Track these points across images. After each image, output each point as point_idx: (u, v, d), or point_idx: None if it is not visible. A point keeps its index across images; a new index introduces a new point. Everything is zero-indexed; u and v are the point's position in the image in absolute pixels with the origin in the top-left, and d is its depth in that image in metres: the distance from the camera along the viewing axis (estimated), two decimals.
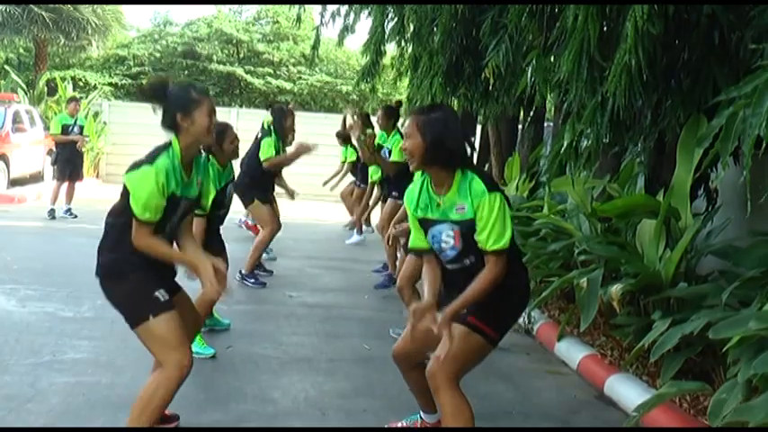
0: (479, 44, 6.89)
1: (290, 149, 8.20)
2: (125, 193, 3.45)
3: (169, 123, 3.49)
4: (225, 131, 5.58)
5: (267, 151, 7.83)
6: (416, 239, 3.67)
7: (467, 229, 3.42)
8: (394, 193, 7.96)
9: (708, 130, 3.72)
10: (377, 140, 8.33)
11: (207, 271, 3.43)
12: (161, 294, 3.45)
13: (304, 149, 7.64)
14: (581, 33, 4.40)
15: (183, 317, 3.58)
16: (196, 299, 4.78)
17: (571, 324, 6.07)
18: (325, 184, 13.17)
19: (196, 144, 3.56)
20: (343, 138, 12.67)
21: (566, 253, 6.27)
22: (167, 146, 3.49)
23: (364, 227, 12.02)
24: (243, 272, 7.80)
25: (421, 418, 4.14)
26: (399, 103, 9.00)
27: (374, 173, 9.33)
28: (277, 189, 8.39)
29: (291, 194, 8.78)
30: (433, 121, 3.42)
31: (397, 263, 7.29)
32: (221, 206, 5.63)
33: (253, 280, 7.80)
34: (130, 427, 3.42)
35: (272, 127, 8.10)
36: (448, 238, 3.50)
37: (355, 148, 11.84)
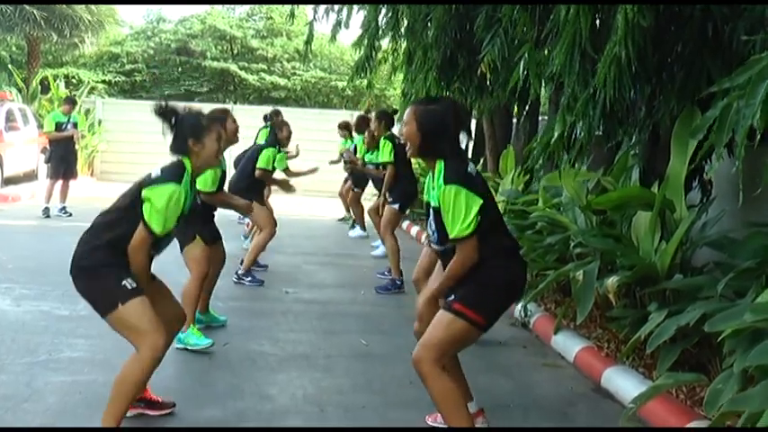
0: (474, 38, 6.91)
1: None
2: (138, 203, 3.59)
3: (182, 148, 3.75)
4: (223, 120, 5.63)
5: (264, 162, 7.86)
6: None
7: (436, 214, 3.62)
8: (389, 199, 7.99)
9: (702, 121, 3.73)
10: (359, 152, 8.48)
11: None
12: (128, 283, 3.56)
13: (286, 188, 7.98)
14: (573, 26, 4.41)
15: (160, 306, 3.74)
16: (181, 293, 4.83)
17: (567, 317, 6.08)
18: (332, 163, 12.96)
19: (205, 167, 3.88)
20: (348, 129, 12.67)
21: (561, 246, 6.28)
22: (183, 166, 3.70)
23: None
24: (239, 272, 7.80)
25: None
26: (395, 111, 8.87)
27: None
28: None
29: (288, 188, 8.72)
30: (429, 112, 3.62)
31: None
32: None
33: (250, 278, 7.79)
34: (109, 409, 3.55)
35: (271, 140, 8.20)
36: (431, 222, 3.72)
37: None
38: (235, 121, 5.79)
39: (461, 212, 3.45)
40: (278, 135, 8.22)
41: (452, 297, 3.58)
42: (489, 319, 3.63)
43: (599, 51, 4.45)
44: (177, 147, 3.75)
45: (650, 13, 4.07)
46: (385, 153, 7.99)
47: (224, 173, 5.73)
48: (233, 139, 5.74)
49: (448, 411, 3.55)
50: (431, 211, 3.68)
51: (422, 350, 3.53)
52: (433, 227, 3.69)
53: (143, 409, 4.08)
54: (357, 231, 11.83)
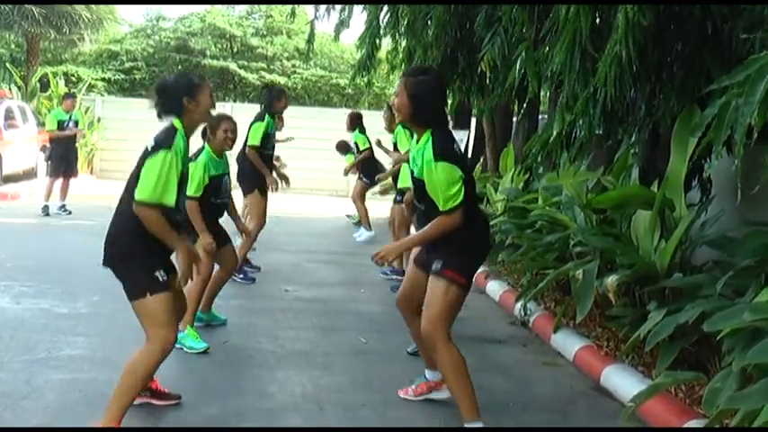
0: (474, 37, 6.90)
1: (279, 135, 8.16)
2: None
3: (176, 107, 3.82)
4: (219, 120, 5.67)
5: (253, 137, 7.74)
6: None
7: (416, 179, 3.97)
8: (398, 198, 7.97)
9: (701, 119, 3.75)
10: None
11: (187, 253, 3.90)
12: (160, 275, 3.71)
13: (272, 182, 7.82)
14: (573, 25, 4.40)
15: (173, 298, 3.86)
16: (186, 289, 4.83)
17: (567, 315, 6.08)
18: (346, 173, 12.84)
19: (199, 123, 3.97)
20: (344, 149, 12.74)
21: (561, 245, 6.27)
22: (173, 128, 3.78)
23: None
24: None
25: (426, 378, 4.49)
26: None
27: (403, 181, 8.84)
28: None
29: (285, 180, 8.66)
30: (418, 83, 3.89)
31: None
32: (218, 194, 5.64)
33: (242, 276, 7.74)
34: (115, 400, 3.63)
35: (264, 109, 7.98)
36: (416, 190, 4.05)
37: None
38: (228, 130, 5.70)
39: (451, 187, 3.76)
40: (274, 105, 7.93)
41: (440, 265, 3.90)
42: (470, 282, 4.03)
43: (599, 50, 4.45)
44: (170, 107, 3.84)
45: (650, 12, 4.08)
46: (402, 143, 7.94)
47: (225, 175, 5.73)
48: (222, 146, 5.72)
49: (452, 380, 3.90)
50: (412, 178, 4.04)
51: (429, 325, 3.90)
52: (418, 195, 4.02)
53: (149, 398, 4.15)
54: (364, 235, 11.27)
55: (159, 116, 3.87)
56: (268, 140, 7.86)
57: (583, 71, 4.56)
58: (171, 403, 4.23)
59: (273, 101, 7.94)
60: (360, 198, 11.56)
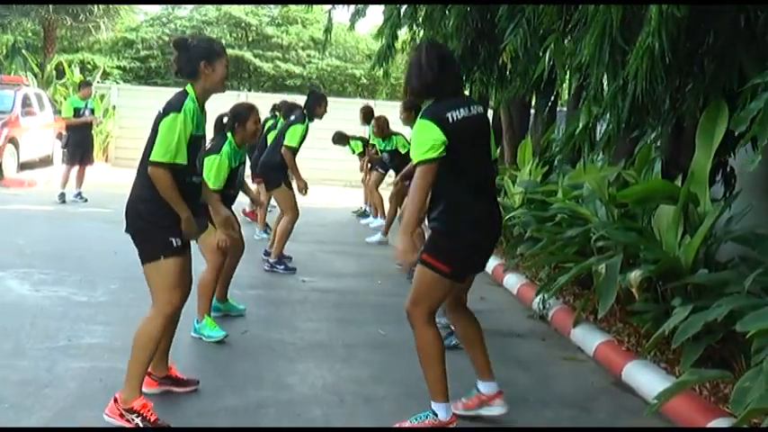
0: (495, 28, 6.83)
1: None
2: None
3: (191, 70, 3.85)
4: (250, 111, 5.69)
5: (291, 139, 7.78)
6: None
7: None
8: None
9: (745, 113, 3.66)
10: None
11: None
12: (175, 240, 3.80)
13: (302, 187, 7.85)
14: (603, 17, 4.33)
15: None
16: (197, 283, 4.84)
17: (586, 310, 6.03)
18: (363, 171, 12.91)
19: (211, 92, 3.94)
20: (342, 140, 12.72)
21: (582, 239, 6.22)
22: (185, 93, 3.82)
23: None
24: (271, 260, 7.82)
25: (478, 391, 4.23)
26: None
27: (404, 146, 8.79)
28: None
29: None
30: (430, 55, 3.90)
31: None
32: (232, 184, 5.61)
33: (282, 267, 7.81)
34: (130, 370, 3.75)
35: (304, 112, 8.03)
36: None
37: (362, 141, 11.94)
38: (257, 121, 5.77)
39: (423, 142, 3.72)
40: (315, 110, 8.00)
41: (422, 249, 3.92)
42: (455, 270, 3.87)
43: (629, 42, 4.39)
44: (187, 69, 3.87)
45: (685, 5, 4.00)
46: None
47: (242, 166, 5.70)
48: (251, 138, 5.79)
49: (423, 361, 3.90)
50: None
51: (408, 304, 3.92)
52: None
53: (169, 386, 4.19)
54: (375, 237, 10.59)
55: (176, 74, 3.93)
56: (302, 143, 7.91)
57: (612, 63, 4.49)
58: (190, 389, 4.27)
59: (315, 106, 8.01)
60: (375, 188, 11.71)
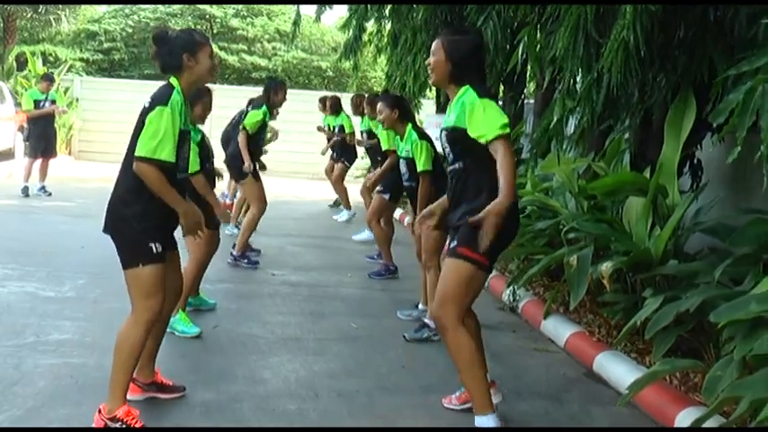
0: (465, 21, 6.84)
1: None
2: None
3: (174, 65, 3.71)
4: (202, 94, 5.50)
5: (248, 122, 7.62)
6: None
7: (455, 134, 3.75)
8: (379, 188, 7.83)
9: (724, 104, 3.70)
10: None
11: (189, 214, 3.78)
12: (155, 246, 3.63)
13: (248, 168, 7.58)
14: (578, 10, 4.35)
15: (169, 276, 3.79)
16: (183, 270, 4.75)
17: (557, 302, 6.07)
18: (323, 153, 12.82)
19: (197, 83, 3.85)
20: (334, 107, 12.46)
21: (552, 231, 6.26)
22: (170, 86, 3.68)
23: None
24: (234, 253, 7.72)
25: None
26: (377, 95, 8.68)
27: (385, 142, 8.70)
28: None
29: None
30: (456, 42, 3.75)
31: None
32: (207, 158, 5.56)
33: (246, 261, 7.73)
34: (113, 378, 3.60)
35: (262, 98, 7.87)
36: (446, 144, 3.86)
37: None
38: (207, 108, 5.62)
39: (499, 115, 3.53)
40: (273, 98, 7.81)
41: (456, 242, 3.68)
42: (492, 261, 3.73)
43: (603, 35, 4.41)
44: (169, 63, 3.73)
45: None
46: (384, 140, 7.90)
47: (203, 147, 5.59)
48: (198, 120, 5.60)
49: (461, 366, 3.68)
50: (446, 134, 3.83)
51: (438, 307, 3.67)
52: (448, 148, 3.84)
53: (154, 392, 4.08)
54: (344, 215, 11.61)
55: (161, 70, 3.78)
56: (261, 132, 7.79)
57: (586, 56, 4.51)
58: (176, 396, 4.14)
59: (273, 93, 7.81)
60: (340, 181, 11.82)
